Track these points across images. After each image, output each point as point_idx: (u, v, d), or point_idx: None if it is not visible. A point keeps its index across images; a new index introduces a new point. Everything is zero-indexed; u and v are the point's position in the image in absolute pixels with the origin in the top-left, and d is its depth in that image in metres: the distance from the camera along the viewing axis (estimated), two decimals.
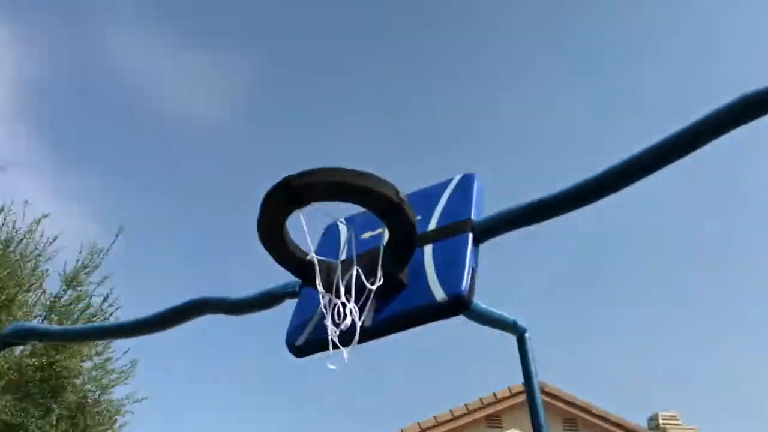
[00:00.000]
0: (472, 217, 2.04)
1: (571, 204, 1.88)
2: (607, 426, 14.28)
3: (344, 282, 1.82)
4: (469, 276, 1.86)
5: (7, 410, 9.36)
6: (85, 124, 19.64)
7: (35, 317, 10.83)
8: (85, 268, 11.07)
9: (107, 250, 11.17)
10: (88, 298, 10.99)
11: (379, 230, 2.10)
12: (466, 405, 14.41)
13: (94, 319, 10.85)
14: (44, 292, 10.86)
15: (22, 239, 10.76)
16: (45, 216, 10.95)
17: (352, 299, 1.79)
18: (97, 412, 10.91)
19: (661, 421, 15.35)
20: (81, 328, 2.51)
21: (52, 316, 10.74)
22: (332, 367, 1.77)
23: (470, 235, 1.98)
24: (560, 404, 14.14)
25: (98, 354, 11.01)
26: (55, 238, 10.93)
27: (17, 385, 9.87)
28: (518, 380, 14.22)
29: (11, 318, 10.42)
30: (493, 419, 14.70)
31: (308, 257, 1.92)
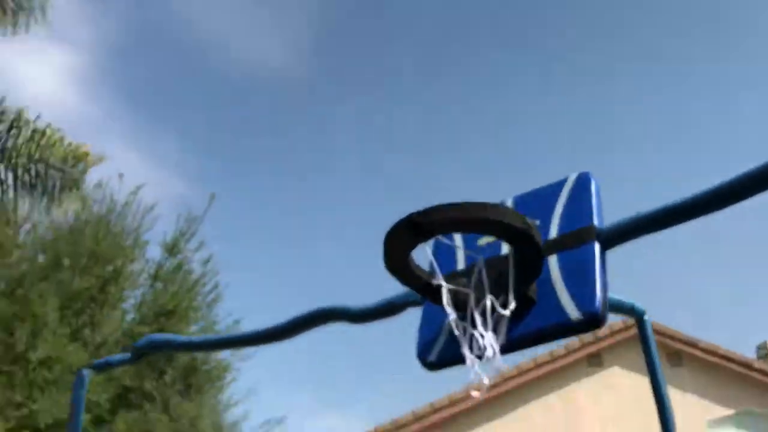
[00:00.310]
0: (595, 223, 1.91)
1: (702, 210, 1.73)
2: (715, 360, 13.88)
3: (479, 311, 1.75)
4: (603, 292, 1.75)
5: (125, 375, 9.93)
6: (162, 83, 20.03)
7: (140, 286, 11.35)
8: (183, 235, 11.44)
9: (202, 218, 11.48)
10: (188, 264, 11.41)
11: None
12: (565, 346, 14.33)
13: (196, 285, 11.27)
14: (147, 261, 11.33)
15: (121, 211, 11.18)
16: (140, 187, 11.32)
17: (489, 328, 1.73)
18: (206, 371, 11.43)
19: None
20: (209, 339, 2.60)
21: (157, 284, 11.22)
22: (476, 394, 1.75)
23: (596, 244, 1.86)
24: (666, 340, 13.81)
25: (204, 318, 11.48)
26: (152, 208, 11.33)
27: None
28: (617, 319, 13.98)
29: (120, 288, 10.96)
30: (594, 357, 14.58)
31: (434, 282, 1.86)
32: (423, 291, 1.93)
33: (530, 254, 1.78)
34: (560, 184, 2.08)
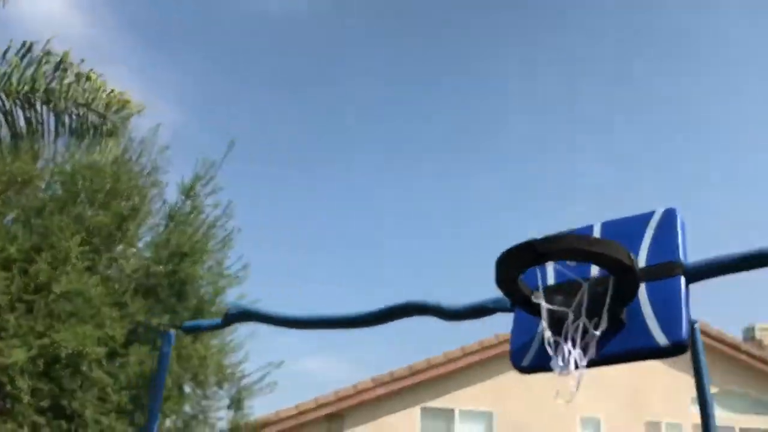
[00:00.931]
0: (681, 259, 2.13)
1: None
2: (706, 340, 14.35)
3: (572, 332, 1.99)
4: (687, 323, 1.99)
5: (140, 311, 10.22)
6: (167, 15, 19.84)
7: (157, 225, 11.56)
8: (200, 179, 11.60)
9: (221, 163, 11.62)
10: (204, 208, 11.60)
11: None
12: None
13: (213, 229, 11.49)
14: (165, 202, 11.52)
15: (139, 149, 11.30)
16: (159, 125, 11.41)
17: (578, 345, 1.97)
18: (214, 311, 11.73)
19: (757, 333, 15.34)
20: (300, 317, 2.79)
21: (171, 224, 11.43)
22: (561, 402, 1.99)
23: (682, 279, 2.09)
24: None
25: (215, 260, 11.74)
26: (166, 148, 11.46)
27: (147, 289, 10.70)
28: None
29: (137, 226, 11.17)
30: None
31: (535, 300, 2.10)
32: (523, 304, 2.17)
33: (629, 284, 2.01)
34: (647, 216, 2.29)
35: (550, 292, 2.16)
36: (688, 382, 14.98)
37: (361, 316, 2.64)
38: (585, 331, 2.02)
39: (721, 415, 14.79)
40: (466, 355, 13.95)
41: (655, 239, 2.22)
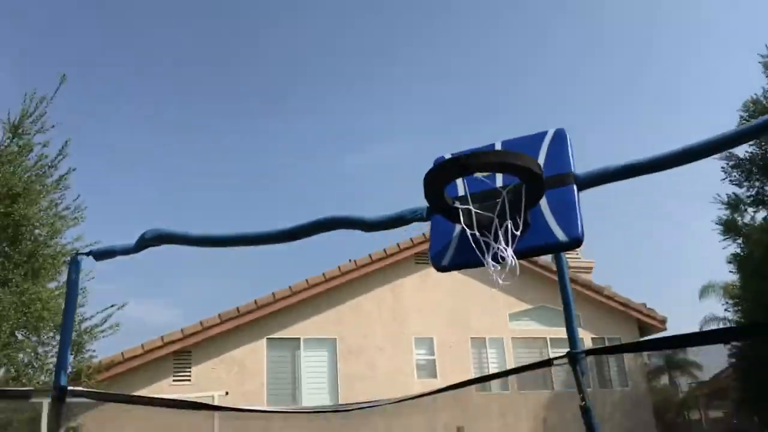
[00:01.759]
0: (573, 171, 2.64)
1: (655, 169, 2.53)
2: (520, 261, 15.88)
3: (501, 233, 2.45)
4: (581, 221, 2.51)
5: None
6: None
7: None
8: (30, 116, 10.89)
9: (51, 98, 10.95)
10: (35, 148, 10.93)
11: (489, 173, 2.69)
12: (398, 244, 15.62)
13: (45, 170, 10.88)
14: None
15: None
16: None
17: (508, 243, 2.43)
18: (50, 255, 11.22)
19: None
20: (219, 236, 2.93)
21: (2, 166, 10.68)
22: (494, 291, 2.47)
23: (575, 187, 2.60)
24: None
25: (51, 200, 11.17)
26: None
27: None
28: None
29: None
30: (422, 256, 16.06)
31: (461, 206, 2.52)
32: (446, 212, 2.58)
33: (537, 190, 2.49)
34: (541, 135, 2.78)
35: (469, 201, 2.59)
36: (506, 300, 16.58)
37: (283, 232, 2.84)
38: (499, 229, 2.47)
39: (536, 328, 16.65)
40: (311, 286, 14.44)
41: (549, 154, 2.70)
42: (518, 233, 2.46)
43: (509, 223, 2.47)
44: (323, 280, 14.64)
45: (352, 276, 15.05)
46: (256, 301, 14.14)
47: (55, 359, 12.22)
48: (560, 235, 2.51)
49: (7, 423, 10.58)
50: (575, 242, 2.49)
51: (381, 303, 15.34)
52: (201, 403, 4.10)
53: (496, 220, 2.49)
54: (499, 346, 16.18)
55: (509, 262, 2.41)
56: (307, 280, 14.53)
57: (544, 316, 16.58)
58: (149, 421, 11.99)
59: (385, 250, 15.41)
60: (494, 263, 2.47)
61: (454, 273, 13.90)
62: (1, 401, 9.74)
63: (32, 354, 12.04)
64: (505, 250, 2.43)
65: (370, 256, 15.23)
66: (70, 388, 2.71)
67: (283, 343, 14.39)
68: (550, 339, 16.32)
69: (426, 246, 15.90)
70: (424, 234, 15.66)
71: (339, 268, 14.97)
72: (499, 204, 2.52)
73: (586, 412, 3.42)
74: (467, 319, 15.87)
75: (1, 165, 10.63)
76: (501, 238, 2.46)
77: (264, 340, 14.24)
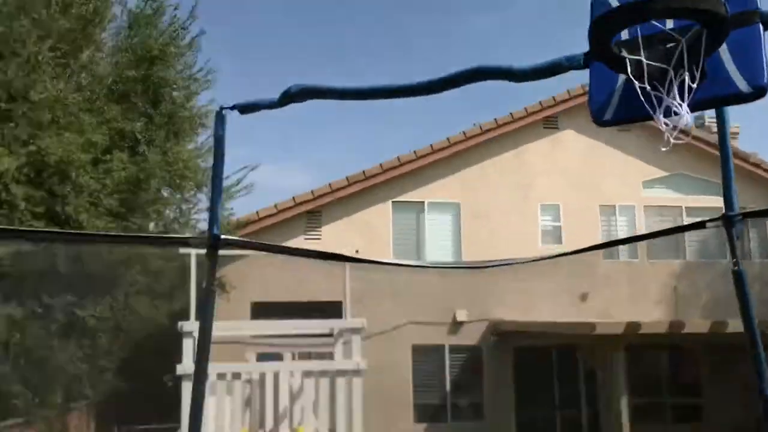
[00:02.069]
0: (759, 8, 2.30)
1: None
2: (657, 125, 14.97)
3: (676, 83, 2.19)
4: (767, 67, 2.20)
5: (116, 117, 10.14)
6: None
7: (121, 29, 11.13)
8: None
9: None
10: (167, 10, 11.15)
11: None
12: (525, 108, 15.10)
13: (178, 32, 11.13)
14: (125, 4, 11.02)
15: None
16: None
17: (677, 97, 2.18)
18: (187, 117, 11.69)
19: (707, 120, 16.07)
20: (363, 88, 2.83)
21: (138, 29, 11.01)
22: (666, 147, 2.23)
23: (760, 26, 2.27)
24: None
25: (185, 62, 11.50)
26: None
27: (120, 95, 10.52)
28: (575, 83, 14.64)
29: (101, 29, 10.73)
30: (550, 120, 15.50)
31: (631, 57, 2.27)
32: (613, 61, 2.33)
33: (720, 35, 2.19)
34: None
35: (641, 49, 2.32)
36: (639, 166, 15.82)
37: (428, 83, 2.71)
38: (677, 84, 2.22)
39: (671, 196, 15.94)
40: (435, 151, 14.36)
41: None
42: (695, 85, 2.20)
43: (686, 74, 2.20)
44: (447, 145, 14.50)
45: (478, 140, 14.79)
46: (381, 165, 14.28)
47: (197, 216, 13.07)
48: (742, 85, 2.20)
49: (159, 271, 11.52)
50: (760, 92, 2.20)
51: (506, 168, 15.08)
52: (343, 255, 4.18)
53: (671, 72, 2.22)
54: (629, 214, 15.66)
55: (684, 118, 2.17)
56: (431, 145, 14.44)
57: (682, 183, 15.79)
58: (286, 272, 12.74)
59: (511, 114, 14.94)
60: (665, 120, 2.23)
61: (584, 138, 13.40)
62: (158, 248, 10.50)
63: (177, 210, 12.92)
64: (680, 105, 2.18)
65: (495, 120, 14.84)
66: (224, 236, 2.79)
67: (407, 206, 14.59)
68: (686, 208, 15.60)
69: (555, 110, 15.30)
70: (553, 97, 15.02)
71: (464, 133, 14.73)
72: (676, 53, 2.25)
73: (738, 277, 3.20)
74: (597, 186, 15.36)
75: (138, 28, 10.98)
76: (675, 90, 2.21)
77: (389, 203, 14.49)
